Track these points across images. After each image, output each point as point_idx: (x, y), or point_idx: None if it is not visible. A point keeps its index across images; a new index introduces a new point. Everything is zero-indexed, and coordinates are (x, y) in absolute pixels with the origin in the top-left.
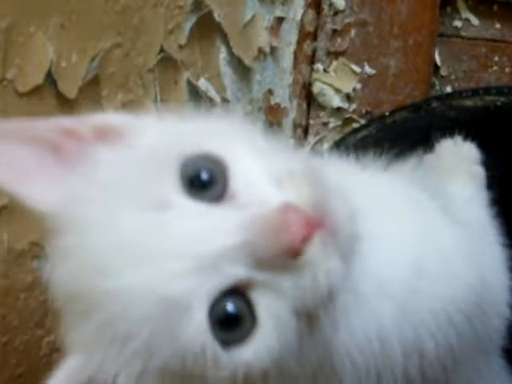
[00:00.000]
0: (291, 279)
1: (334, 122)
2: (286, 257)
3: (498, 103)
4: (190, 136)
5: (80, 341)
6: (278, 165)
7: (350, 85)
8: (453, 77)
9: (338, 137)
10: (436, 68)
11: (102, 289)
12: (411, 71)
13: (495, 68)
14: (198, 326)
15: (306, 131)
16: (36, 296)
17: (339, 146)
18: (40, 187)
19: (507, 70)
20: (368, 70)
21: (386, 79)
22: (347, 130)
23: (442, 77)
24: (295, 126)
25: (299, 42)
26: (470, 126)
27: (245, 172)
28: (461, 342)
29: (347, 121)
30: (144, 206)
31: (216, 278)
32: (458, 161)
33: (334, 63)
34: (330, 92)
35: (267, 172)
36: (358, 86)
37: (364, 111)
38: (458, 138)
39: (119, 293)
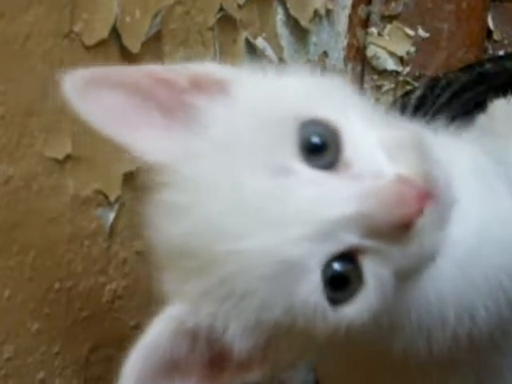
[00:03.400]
0: (399, 247)
1: (387, 85)
2: (398, 228)
3: None
4: (301, 97)
5: (188, 293)
6: (388, 133)
7: (403, 48)
8: (506, 41)
9: (391, 99)
10: (489, 32)
11: (222, 250)
12: (464, 35)
13: None
14: (312, 287)
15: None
16: (99, 243)
17: (394, 107)
18: (146, 137)
19: None
20: (422, 33)
21: (439, 43)
22: (401, 92)
23: (494, 41)
24: None
25: (354, 6)
26: None
27: (358, 141)
28: (510, 309)
29: (401, 84)
30: (264, 170)
31: (331, 243)
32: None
33: (388, 27)
34: (383, 55)
35: (378, 141)
36: (412, 49)
37: (417, 74)
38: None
39: (239, 255)
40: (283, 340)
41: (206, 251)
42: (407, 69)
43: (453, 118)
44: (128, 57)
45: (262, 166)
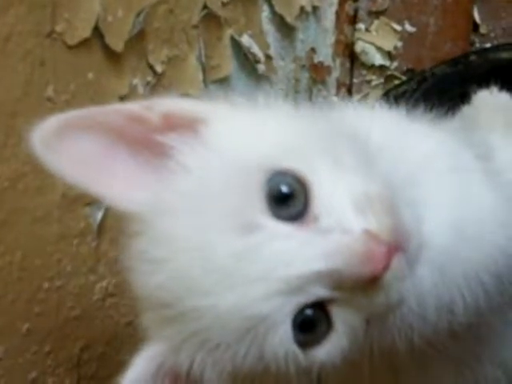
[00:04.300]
0: (367, 297)
1: (376, 80)
2: (366, 283)
3: None
4: (271, 147)
5: (167, 337)
6: (358, 186)
7: (391, 43)
8: (492, 34)
9: (380, 94)
10: (475, 26)
11: (193, 305)
12: (450, 29)
13: None
14: (282, 337)
15: (349, 90)
16: (88, 242)
17: (382, 101)
18: (117, 185)
19: None
20: (408, 28)
21: (425, 37)
22: (389, 87)
23: (481, 35)
24: (339, 84)
25: (341, 2)
26: (506, 76)
27: (326, 193)
28: (488, 300)
29: (389, 78)
30: (234, 228)
31: (300, 296)
32: (495, 110)
33: (376, 22)
34: (372, 50)
35: (347, 194)
36: (399, 44)
37: (405, 68)
38: (494, 89)
39: (211, 310)
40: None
41: (178, 304)
42: (395, 63)
43: (438, 109)
44: (111, 56)
45: (231, 223)
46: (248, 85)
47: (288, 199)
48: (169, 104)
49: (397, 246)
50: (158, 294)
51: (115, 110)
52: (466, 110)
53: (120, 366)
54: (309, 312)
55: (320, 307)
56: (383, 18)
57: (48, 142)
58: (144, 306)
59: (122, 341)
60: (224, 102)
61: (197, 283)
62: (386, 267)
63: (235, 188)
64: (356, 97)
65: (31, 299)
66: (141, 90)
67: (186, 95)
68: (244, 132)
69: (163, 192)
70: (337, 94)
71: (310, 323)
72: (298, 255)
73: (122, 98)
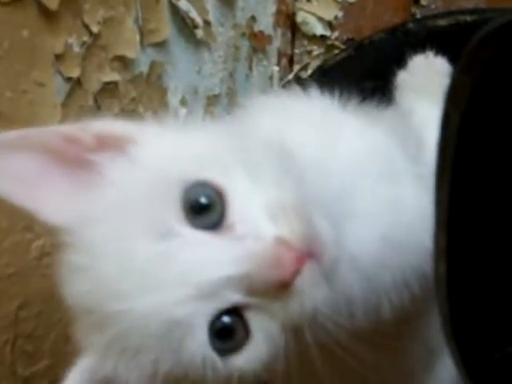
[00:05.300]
0: (281, 304)
1: (317, 50)
2: (277, 287)
3: (469, 19)
4: (191, 160)
5: (94, 345)
6: (272, 194)
7: (331, 13)
8: (433, 6)
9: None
10: None
11: (113, 310)
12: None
13: None
14: (199, 342)
15: (290, 60)
16: None
17: (320, 70)
18: (50, 201)
19: None
20: None
21: (366, 7)
22: (328, 56)
23: (422, 6)
24: (280, 54)
25: None
26: (442, 42)
27: (242, 203)
28: (413, 299)
29: (330, 48)
30: (151, 234)
31: (215, 302)
32: (430, 75)
33: None
34: (312, 21)
35: (263, 203)
36: (340, 14)
37: (346, 38)
38: (430, 54)
39: (128, 314)
40: None
41: (100, 309)
42: (336, 33)
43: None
44: (46, 14)
45: (150, 230)
46: (187, 50)
47: (206, 209)
48: (101, 125)
49: (309, 253)
50: (83, 302)
51: (51, 131)
52: (402, 76)
53: (57, 326)
54: (226, 319)
55: (238, 315)
56: None
57: None
58: (74, 317)
59: (59, 300)
60: (154, 123)
61: (115, 288)
62: (295, 273)
63: (156, 199)
64: (296, 67)
65: None
66: (76, 49)
67: (122, 57)
68: (168, 149)
69: (90, 204)
70: (278, 64)
71: (228, 331)
72: (210, 261)
73: (58, 57)
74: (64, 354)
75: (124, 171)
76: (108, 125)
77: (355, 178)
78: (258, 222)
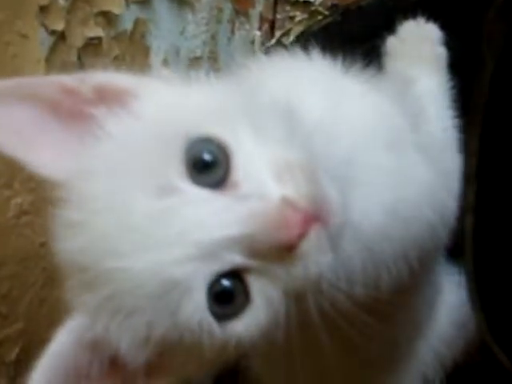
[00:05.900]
0: (284, 268)
1: (300, 16)
2: (281, 250)
3: None
4: (195, 114)
5: (85, 305)
6: (279, 153)
7: None
8: None
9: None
10: None
11: (109, 267)
12: None
13: None
14: (196, 305)
15: (272, 25)
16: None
17: (304, 35)
18: (45, 153)
19: None
20: None
21: None
22: (313, 21)
23: None
24: (262, 19)
25: None
26: (433, 8)
27: (247, 161)
28: (412, 274)
29: (313, 14)
30: (151, 190)
31: (215, 263)
32: (421, 42)
33: None
34: None
35: (268, 161)
36: None
37: (330, 4)
38: (421, 20)
39: (125, 273)
40: (176, 354)
41: (95, 267)
42: None
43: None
44: None
45: (150, 185)
46: (170, 9)
47: (209, 167)
48: (101, 77)
49: (315, 215)
50: (77, 258)
51: (48, 82)
52: (391, 41)
53: (33, 288)
54: (226, 282)
55: (238, 278)
56: None
57: None
58: (66, 275)
59: (36, 262)
60: (156, 78)
61: (112, 245)
62: (301, 235)
63: (157, 154)
64: (278, 32)
65: None
66: (62, 1)
67: (107, 13)
68: (170, 103)
69: (86, 157)
70: (260, 29)
71: (228, 295)
72: (212, 220)
73: (42, 8)
74: (39, 318)
75: (124, 125)
76: (109, 77)
77: (361, 145)
78: (263, 181)
